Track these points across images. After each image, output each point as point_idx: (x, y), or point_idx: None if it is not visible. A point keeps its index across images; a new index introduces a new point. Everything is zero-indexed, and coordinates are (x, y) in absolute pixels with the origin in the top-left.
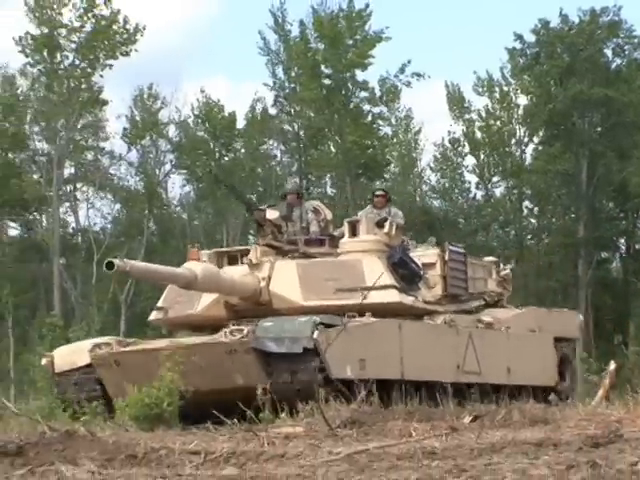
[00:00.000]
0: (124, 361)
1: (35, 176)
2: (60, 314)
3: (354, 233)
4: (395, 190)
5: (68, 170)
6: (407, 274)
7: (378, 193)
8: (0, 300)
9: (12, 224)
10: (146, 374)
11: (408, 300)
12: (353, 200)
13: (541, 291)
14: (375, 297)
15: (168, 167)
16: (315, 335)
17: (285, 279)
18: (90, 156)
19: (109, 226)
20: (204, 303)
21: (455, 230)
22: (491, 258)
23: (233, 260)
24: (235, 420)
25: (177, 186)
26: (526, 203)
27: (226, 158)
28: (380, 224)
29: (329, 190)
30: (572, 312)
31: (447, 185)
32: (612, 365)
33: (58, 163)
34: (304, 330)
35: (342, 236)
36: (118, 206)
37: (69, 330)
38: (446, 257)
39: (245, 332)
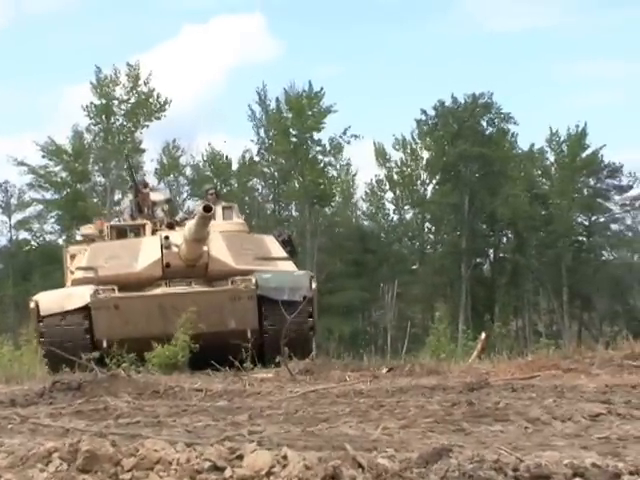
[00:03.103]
0: (123, 305)
1: (95, 200)
2: None
3: (224, 217)
4: (338, 214)
5: (117, 196)
6: (291, 250)
7: (211, 191)
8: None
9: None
10: (144, 317)
11: (295, 268)
12: (310, 219)
13: (436, 284)
14: (281, 266)
15: (185, 195)
16: (313, 286)
17: (219, 247)
18: None
19: None
20: (144, 263)
21: (378, 241)
22: None
23: (122, 233)
24: (226, 368)
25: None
26: (427, 224)
27: (224, 190)
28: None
29: (294, 213)
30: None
31: (374, 211)
32: (483, 335)
33: (110, 191)
34: (303, 281)
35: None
36: None
37: None
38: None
39: (253, 281)
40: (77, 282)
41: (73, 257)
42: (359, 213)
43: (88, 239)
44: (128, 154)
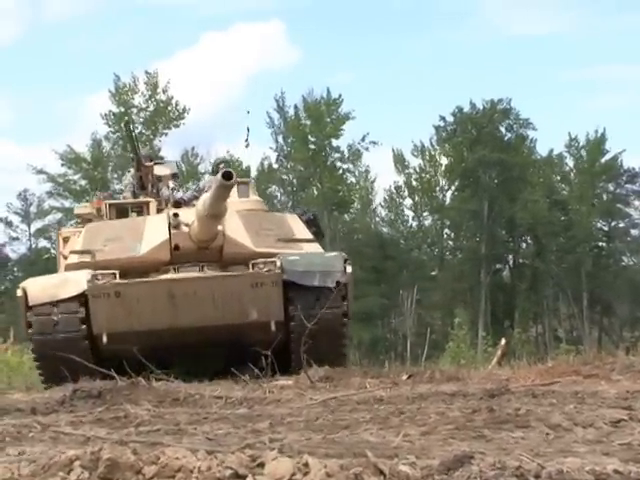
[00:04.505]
0: (125, 292)
1: None
2: None
3: (239, 194)
4: (357, 220)
5: None
6: (316, 230)
7: (222, 165)
8: None
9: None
10: (150, 306)
11: (322, 250)
12: (328, 226)
13: (456, 290)
14: (307, 248)
15: None
16: (348, 270)
17: (235, 227)
18: None
19: None
20: (148, 246)
21: (397, 248)
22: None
23: (122, 213)
24: (246, 375)
25: None
26: (446, 230)
27: None
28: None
29: None
30: None
31: (392, 217)
32: (503, 341)
33: None
34: (336, 264)
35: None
36: None
37: None
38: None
39: (278, 264)
40: (71, 267)
41: (66, 240)
42: (378, 219)
43: (84, 220)
44: (129, 121)
